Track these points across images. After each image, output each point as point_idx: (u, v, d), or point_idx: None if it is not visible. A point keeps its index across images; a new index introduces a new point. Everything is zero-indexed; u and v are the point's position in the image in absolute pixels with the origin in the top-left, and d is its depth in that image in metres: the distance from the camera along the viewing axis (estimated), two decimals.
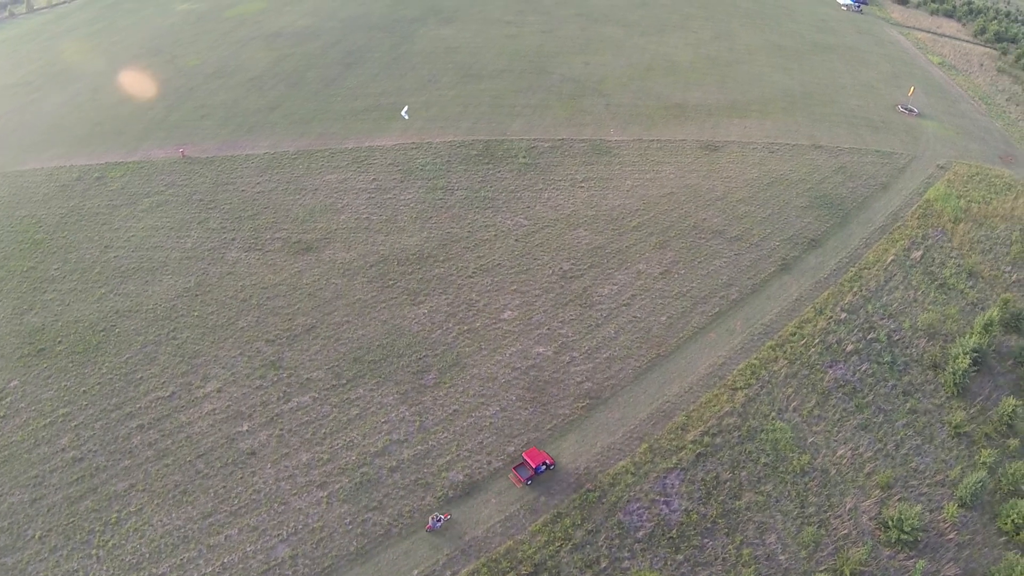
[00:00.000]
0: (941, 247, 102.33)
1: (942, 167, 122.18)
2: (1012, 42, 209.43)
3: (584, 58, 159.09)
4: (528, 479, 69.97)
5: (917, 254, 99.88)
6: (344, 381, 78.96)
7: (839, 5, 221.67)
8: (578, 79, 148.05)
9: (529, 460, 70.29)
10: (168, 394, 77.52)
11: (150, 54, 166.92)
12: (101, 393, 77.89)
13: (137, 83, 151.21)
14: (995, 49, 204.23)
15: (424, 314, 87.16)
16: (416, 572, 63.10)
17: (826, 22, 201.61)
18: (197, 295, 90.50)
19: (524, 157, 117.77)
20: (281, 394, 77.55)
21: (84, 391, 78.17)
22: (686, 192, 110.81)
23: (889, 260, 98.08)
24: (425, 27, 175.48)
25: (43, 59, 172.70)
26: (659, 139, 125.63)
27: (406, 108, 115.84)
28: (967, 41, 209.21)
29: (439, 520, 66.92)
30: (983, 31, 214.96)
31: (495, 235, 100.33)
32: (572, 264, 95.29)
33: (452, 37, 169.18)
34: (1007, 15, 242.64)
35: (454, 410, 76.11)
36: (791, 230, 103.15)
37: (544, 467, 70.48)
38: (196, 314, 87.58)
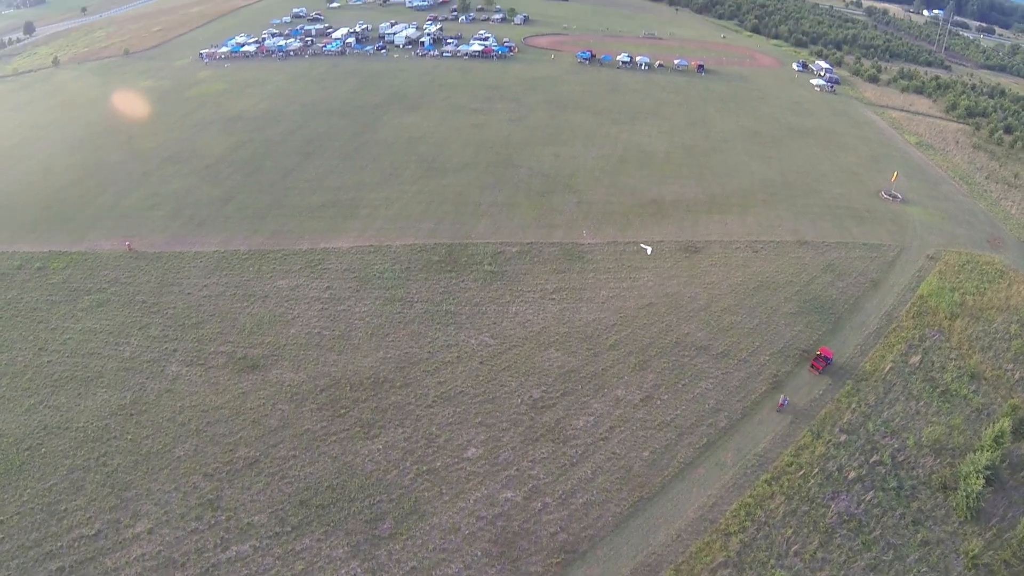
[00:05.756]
0: (939, 348, 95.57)
1: (932, 257, 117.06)
2: (983, 116, 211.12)
3: (554, 149, 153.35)
4: (823, 368, 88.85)
5: (915, 359, 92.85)
6: (289, 528, 68.58)
7: (812, 86, 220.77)
8: (547, 173, 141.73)
9: (824, 353, 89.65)
10: (94, 532, 66.96)
11: (107, 133, 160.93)
12: (20, 526, 67.20)
13: (91, 164, 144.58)
14: (968, 124, 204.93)
15: (379, 450, 77.67)
16: None
17: (801, 104, 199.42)
18: (132, 414, 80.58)
19: (490, 264, 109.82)
20: (219, 540, 67.08)
21: (2, 521, 67.79)
22: (666, 302, 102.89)
23: (887, 368, 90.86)
24: (388, 114, 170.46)
25: None
26: (635, 240, 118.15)
27: (650, 248, 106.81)
28: (940, 118, 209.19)
29: (787, 400, 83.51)
30: (954, 107, 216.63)
31: (458, 356, 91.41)
32: (543, 391, 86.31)
33: (416, 126, 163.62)
34: (973, 88, 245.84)
35: (412, 567, 65.76)
36: (781, 341, 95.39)
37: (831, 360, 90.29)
38: (130, 437, 77.65)
